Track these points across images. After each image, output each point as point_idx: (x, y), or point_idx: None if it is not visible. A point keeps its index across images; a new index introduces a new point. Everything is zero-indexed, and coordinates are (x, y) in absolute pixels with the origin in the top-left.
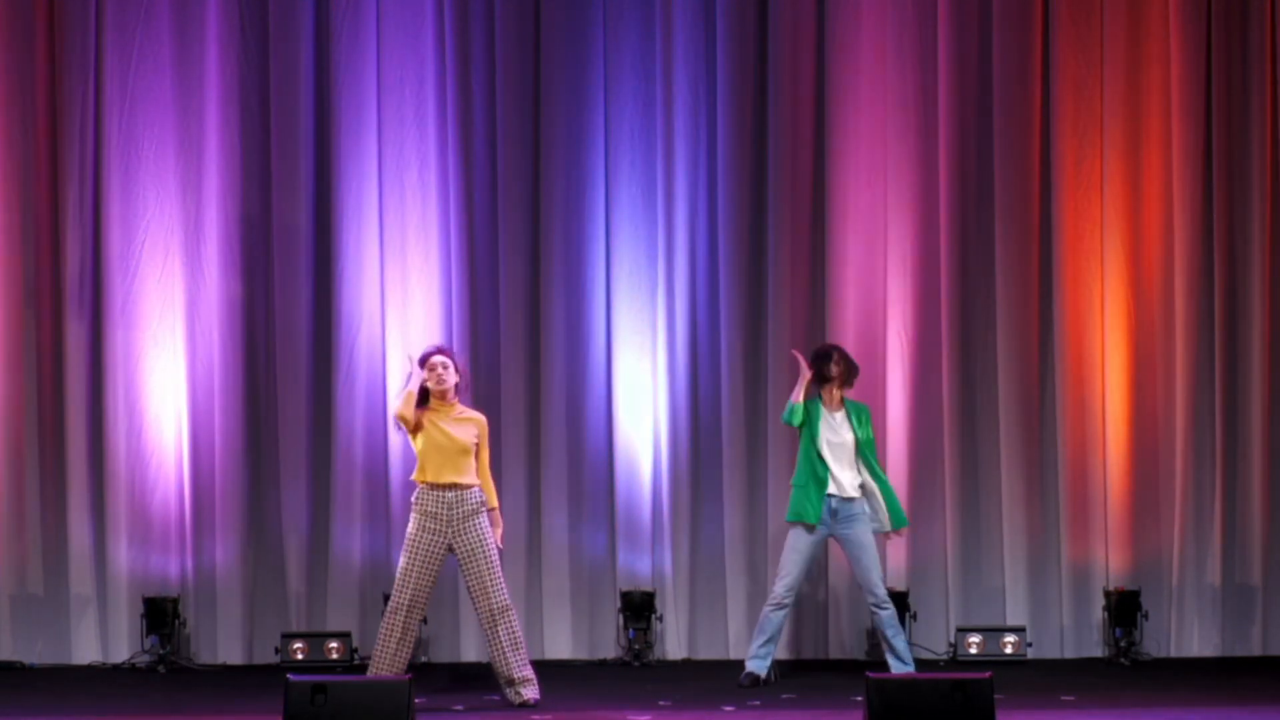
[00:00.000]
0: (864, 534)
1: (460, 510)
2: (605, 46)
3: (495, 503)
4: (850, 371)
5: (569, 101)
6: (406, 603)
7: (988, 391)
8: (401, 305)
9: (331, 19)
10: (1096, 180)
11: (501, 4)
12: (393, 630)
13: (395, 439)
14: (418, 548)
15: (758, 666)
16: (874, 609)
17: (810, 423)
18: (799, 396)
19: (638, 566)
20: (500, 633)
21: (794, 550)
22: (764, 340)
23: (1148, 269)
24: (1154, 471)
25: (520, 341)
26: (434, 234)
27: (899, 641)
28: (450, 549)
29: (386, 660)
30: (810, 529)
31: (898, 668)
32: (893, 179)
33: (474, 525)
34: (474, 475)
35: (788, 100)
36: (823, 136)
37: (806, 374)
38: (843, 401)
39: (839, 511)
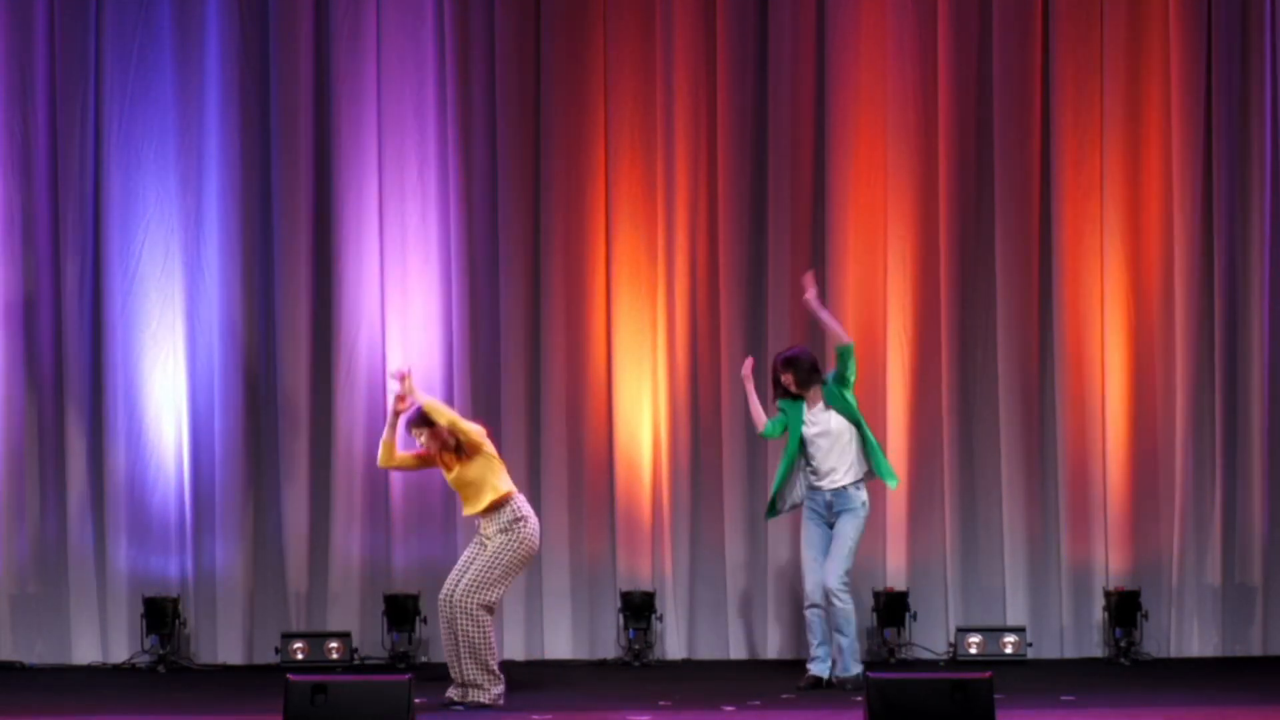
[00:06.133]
0: (844, 524)
1: (485, 531)
2: (605, 46)
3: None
4: (805, 376)
5: (569, 101)
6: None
7: (988, 391)
8: (401, 305)
9: (331, 19)
10: (1096, 180)
11: (501, 4)
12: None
13: None
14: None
15: (818, 669)
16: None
17: (792, 424)
18: (760, 418)
19: (638, 566)
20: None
21: (807, 545)
22: (764, 339)
23: (1148, 269)
24: (1154, 471)
25: (520, 341)
26: (434, 234)
27: (843, 640)
28: None
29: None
30: (811, 520)
31: (845, 669)
32: (893, 178)
33: (494, 539)
34: (487, 500)
35: (788, 100)
36: (823, 136)
37: (751, 392)
38: (821, 393)
39: (834, 504)
